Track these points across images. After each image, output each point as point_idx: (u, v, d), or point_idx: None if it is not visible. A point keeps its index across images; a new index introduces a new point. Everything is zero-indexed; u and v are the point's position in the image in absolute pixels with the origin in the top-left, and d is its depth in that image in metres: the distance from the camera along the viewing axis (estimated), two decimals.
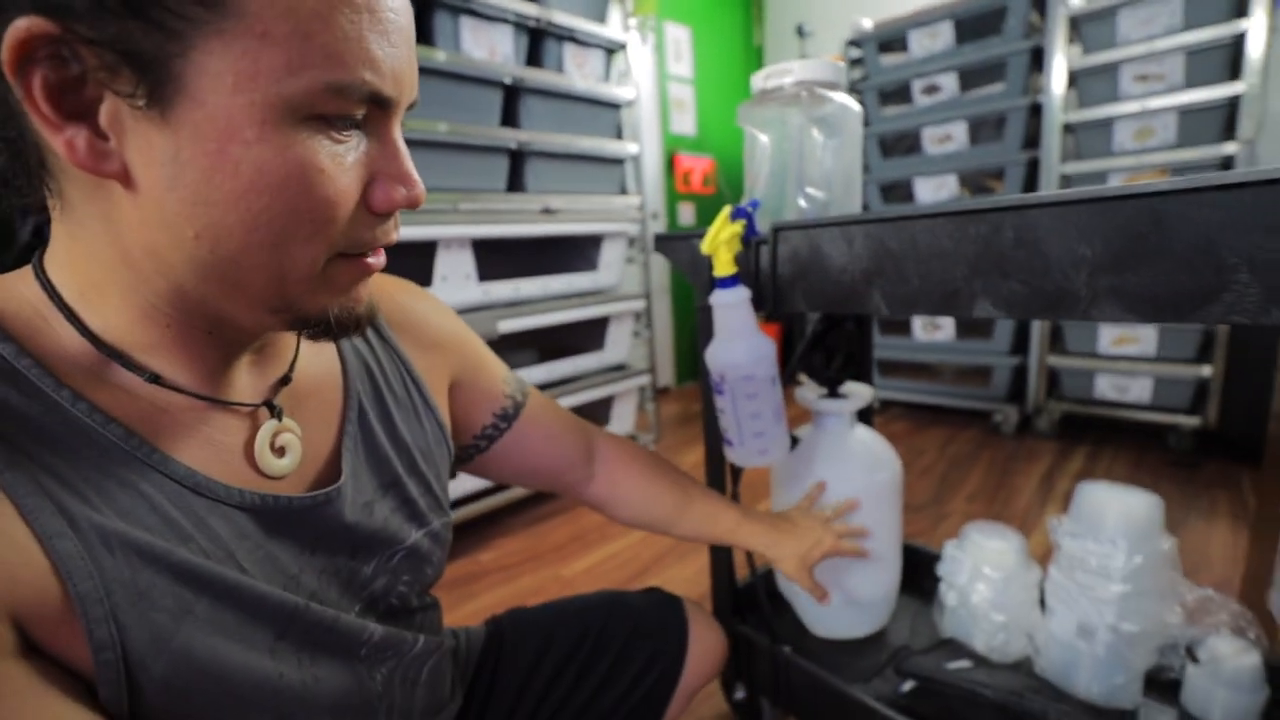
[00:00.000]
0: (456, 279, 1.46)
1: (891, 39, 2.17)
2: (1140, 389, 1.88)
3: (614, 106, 1.80)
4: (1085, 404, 1.99)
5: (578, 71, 1.69)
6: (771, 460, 0.69)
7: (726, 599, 0.90)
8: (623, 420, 1.93)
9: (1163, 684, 0.74)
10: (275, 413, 0.38)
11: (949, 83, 2.06)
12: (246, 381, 0.38)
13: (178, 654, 0.30)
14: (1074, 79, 1.87)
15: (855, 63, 2.45)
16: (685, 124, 2.97)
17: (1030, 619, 0.80)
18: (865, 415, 1.02)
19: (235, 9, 0.26)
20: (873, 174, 2.30)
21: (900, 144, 2.24)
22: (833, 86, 0.69)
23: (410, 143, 1.34)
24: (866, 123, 2.31)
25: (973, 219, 0.49)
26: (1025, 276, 0.47)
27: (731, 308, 0.63)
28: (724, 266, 0.63)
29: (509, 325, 1.52)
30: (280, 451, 0.38)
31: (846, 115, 0.69)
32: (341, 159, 0.30)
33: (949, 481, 1.77)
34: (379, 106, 0.31)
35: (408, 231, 1.33)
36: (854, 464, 0.81)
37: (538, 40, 1.61)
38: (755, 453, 0.68)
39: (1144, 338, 1.84)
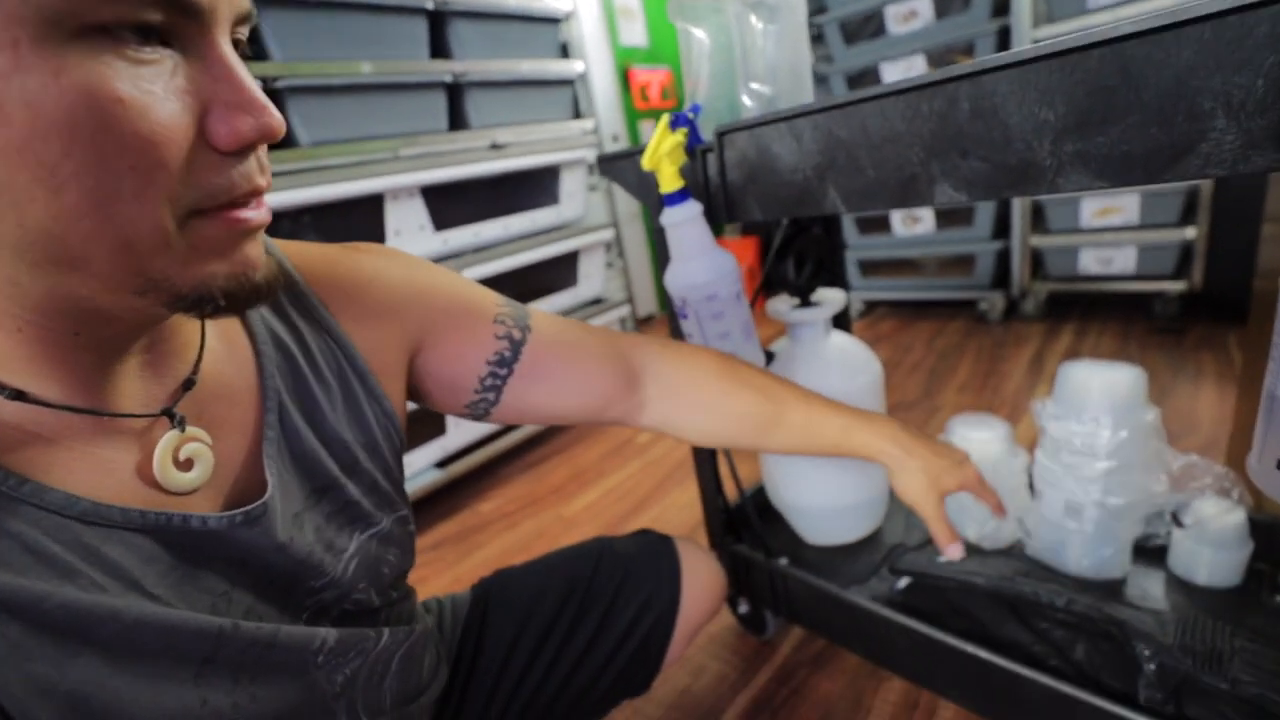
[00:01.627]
0: (410, 231, 1.39)
1: None
2: (1125, 259, 1.85)
3: (552, 21, 1.66)
4: (1070, 281, 1.96)
5: None
6: None
7: (718, 520, 0.91)
8: None
9: (1151, 551, 0.76)
10: (176, 421, 0.33)
11: None
12: (137, 388, 0.33)
13: (65, 701, 0.27)
14: None
15: None
16: (636, 35, 2.78)
17: (1020, 504, 0.81)
18: (843, 320, 1.01)
19: None
20: (836, 64, 2.17)
21: (864, 28, 2.10)
22: None
23: (333, 89, 1.24)
24: (824, 8, 2.15)
25: (925, 94, 0.44)
26: (985, 152, 0.43)
27: (683, 225, 0.60)
28: (669, 181, 0.59)
29: (474, 273, 1.46)
30: (187, 464, 0.33)
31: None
32: (148, 85, 0.25)
33: (938, 375, 1.77)
34: (185, 15, 0.25)
35: (349, 187, 1.25)
36: (832, 371, 0.80)
37: None
38: None
39: (1126, 207, 1.79)
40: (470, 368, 0.49)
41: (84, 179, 0.24)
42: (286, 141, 1.23)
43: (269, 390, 0.39)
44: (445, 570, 1.28)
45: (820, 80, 2.36)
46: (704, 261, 0.60)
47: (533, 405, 0.52)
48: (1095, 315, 1.98)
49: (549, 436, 1.81)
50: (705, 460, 0.89)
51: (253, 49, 1.17)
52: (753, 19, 0.62)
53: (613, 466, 1.59)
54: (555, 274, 1.75)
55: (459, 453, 1.53)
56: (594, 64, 2.05)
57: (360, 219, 1.33)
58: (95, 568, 0.29)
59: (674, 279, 0.62)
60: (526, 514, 1.45)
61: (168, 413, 0.33)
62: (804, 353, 0.82)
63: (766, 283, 0.84)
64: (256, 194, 0.30)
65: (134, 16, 0.24)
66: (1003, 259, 2.07)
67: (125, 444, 0.32)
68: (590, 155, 1.76)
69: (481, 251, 1.52)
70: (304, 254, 0.44)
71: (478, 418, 0.52)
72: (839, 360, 0.82)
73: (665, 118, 0.59)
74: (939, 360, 1.87)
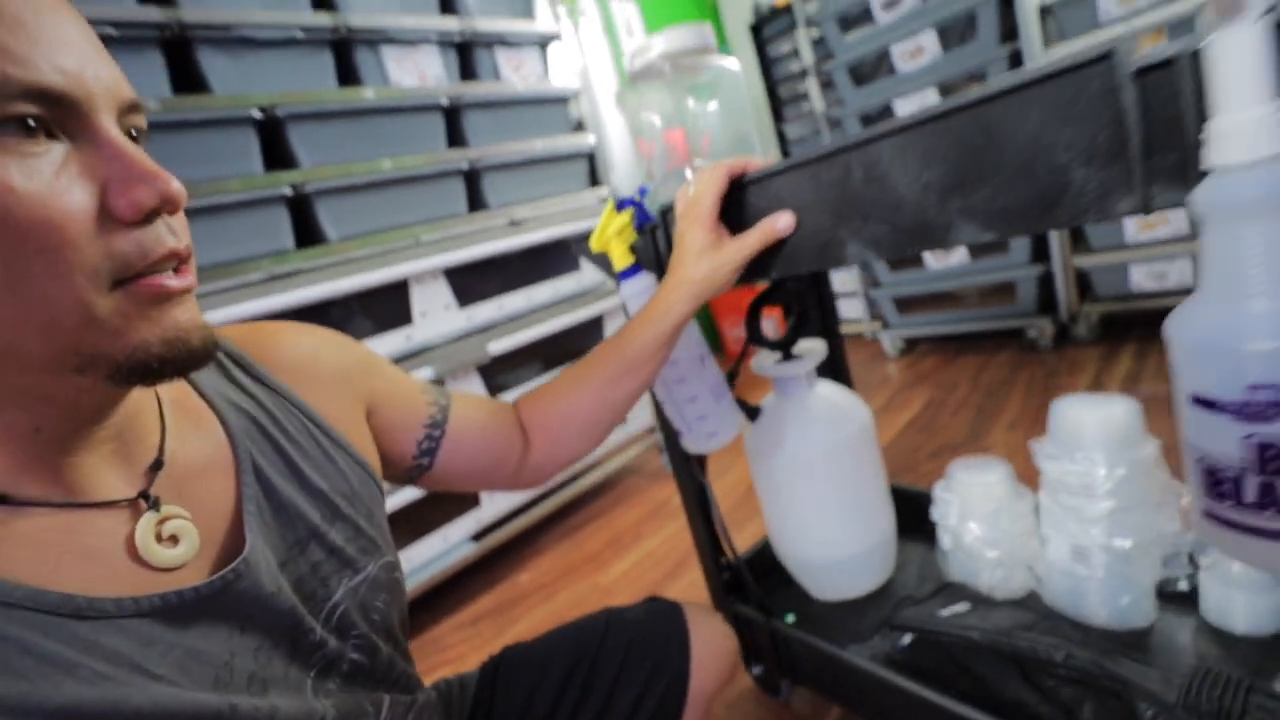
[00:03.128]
0: (435, 311, 1.44)
1: None
2: (1179, 272, 1.73)
3: (560, 101, 1.74)
4: (1124, 300, 1.85)
5: (515, 75, 1.65)
6: (724, 441, 0.67)
7: (717, 582, 0.90)
8: (637, 414, 1.90)
9: (1179, 596, 0.69)
10: (151, 503, 0.35)
11: None
12: (110, 476, 0.34)
13: None
14: None
15: None
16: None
17: (1028, 550, 0.76)
18: (839, 366, 1.02)
19: None
20: (847, 106, 2.18)
21: (872, 71, 2.12)
22: (701, 51, 0.66)
23: (357, 187, 1.33)
24: (830, 54, 2.19)
25: (823, 165, 0.48)
26: (883, 214, 0.46)
27: (637, 297, 0.62)
28: (621, 259, 0.62)
29: (499, 345, 1.50)
30: (173, 540, 0.35)
31: (723, 76, 0.68)
32: (38, 172, 0.27)
33: (986, 412, 1.68)
34: (60, 106, 0.27)
35: (375, 276, 1.32)
36: (817, 424, 0.80)
37: (467, 53, 1.56)
38: (704, 436, 0.67)
39: (1172, 217, 1.70)
40: (410, 433, 0.53)
41: (3, 270, 0.26)
42: (317, 239, 1.31)
43: (241, 454, 0.40)
44: (482, 646, 1.26)
45: (835, 124, 2.38)
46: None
47: (460, 464, 0.56)
48: (1157, 334, 1.85)
49: (586, 501, 1.80)
50: (699, 521, 0.88)
51: (282, 158, 1.27)
52: (690, 102, 0.65)
53: (650, 530, 1.55)
54: (581, 339, 1.78)
55: (494, 524, 1.53)
56: (609, 131, 2.13)
57: (386, 304, 1.40)
58: (96, 658, 0.30)
59: None
60: (563, 584, 1.42)
61: (143, 495, 0.35)
62: (790, 406, 0.82)
63: (751, 339, 0.84)
64: (174, 257, 0.31)
65: (10, 110, 0.26)
66: (1046, 283, 1.98)
67: (109, 530, 0.33)
68: (635, 194, 1.80)
69: (507, 324, 1.56)
70: (241, 332, 0.47)
71: (411, 481, 0.56)
72: (825, 412, 0.82)
73: (611, 202, 0.63)
74: (986, 397, 1.77)
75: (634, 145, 0.73)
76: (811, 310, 0.98)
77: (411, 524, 1.42)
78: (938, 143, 0.42)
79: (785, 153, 2.91)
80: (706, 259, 0.56)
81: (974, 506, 0.79)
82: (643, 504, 1.71)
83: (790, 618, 0.85)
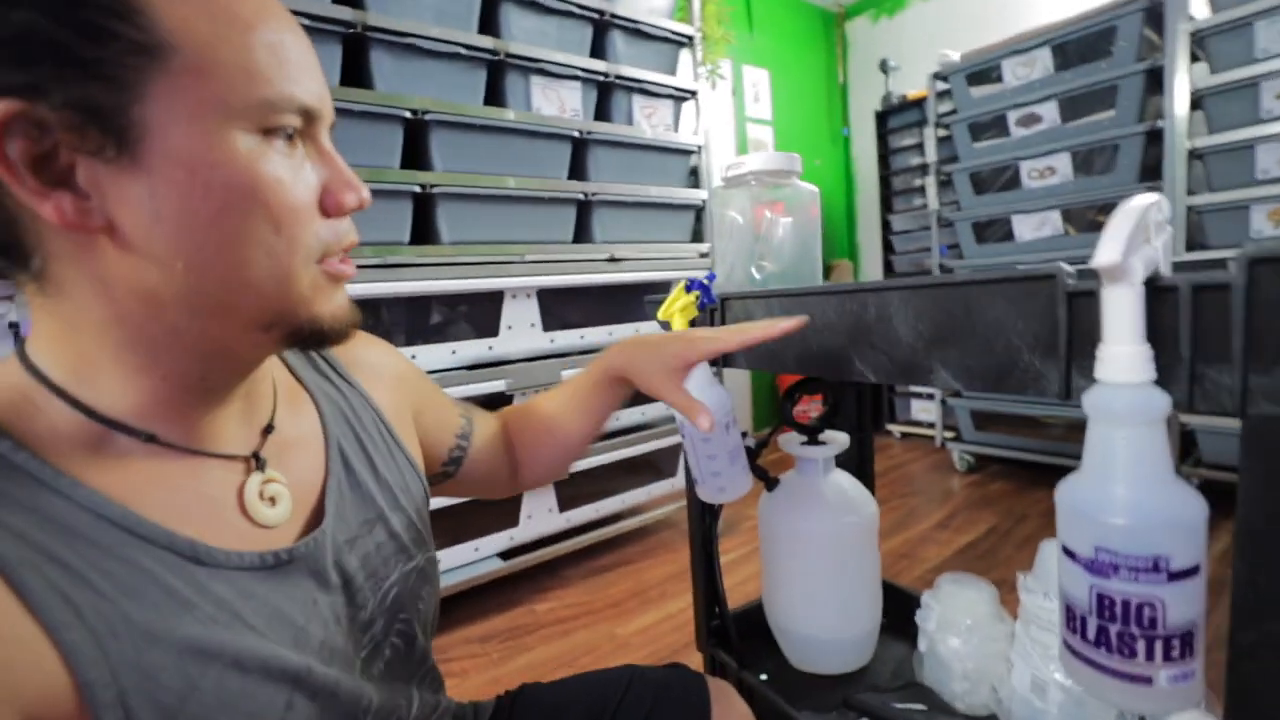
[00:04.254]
0: (521, 327, 1.47)
1: (982, 70, 2.04)
2: None
3: (683, 153, 1.79)
4: (1232, 471, 1.71)
5: (646, 121, 1.70)
6: (730, 498, 0.75)
7: (705, 624, 0.99)
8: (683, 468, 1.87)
9: None
10: (260, 464, 0.39)
11: (1049, 112, 1.90)
12: (235, 432, 0.38)
13: None
14: (1199, 101, 1.67)
15: (943, 95, 2.33)
16: None
17: (996, 672, 0.81)
18: (863, 463, 1.10)
19: (171, 49, 0.29)
20: (963, 210, 2.15)
21: (994, 180, 2.09)
22: (785, 175, 0.80)
23: (479, 197, 1.40)
24: (955, 158, 2.17)
25: (848, 298, 0.59)
26: (885, 347, 0.57)
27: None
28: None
29: (572, 374, 1.51)
30: (271, 501, 0.39)
31: (800, 197, 0.81)
32: (295, 169, 0.33)
33: None
34: (307, 120, 0.34)
35: (477, 282, 1.36)
36: (825, 507, 0.88)
37: (606, 93, 1.63)
38: (715, 490, 0.74)
39: None
40: (444, 441, 0.58)
41: (252, 237, 0.32)
42: (431, 238, 1.37)
43: (332, 436, 0.45)
44: (488, 668, 1.24)
45: (946, 224, 2.35)
46: (699, 395, 0.68)
47: (477, 473, 0.61)
48: None
49: (617, 545, 1.77)
50: (700, 565, 0.98)
51: (418, 158, 1.35)
52: (767, 212, 0.79)
53: (676, 590, 1.51)
54: None
55: (525, 546, 1.52)
56: None
57: (480, 310, 1.44)
58: (207, 601, 0.33)
59: None
60: (580, 624, 1.39)
61: (255, 455, 0.39)
62: (804, 485, 0.91)
63: (782, 418, 0.93)
64: (353, 246, 0.38)
65: (285, 123, 0.33)
66: None
67: (225, 482, 0.37)
68: (702, 275, 1.82)
69: (584, 354, 1.58)
70: None
71: (435, 483, 0.59)
72: (834, 497, 0.90)
73: (683, 282, 0.72)
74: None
75: (721, 229, 0.86)
76: (848, 405, 1.09)
77: (447, 528, 1.43)
78: (931, 305, 0.52)
79: (887, 242, 2.88)
80: (668, 364, 0.56)
81: (954, 619, 0.85)
82: (674, 561, 1.66)
83: (763, 676, 0.94)
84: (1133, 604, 0.40)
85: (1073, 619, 0.44)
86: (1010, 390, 0.49)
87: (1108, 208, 1.85)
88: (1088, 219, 1.92)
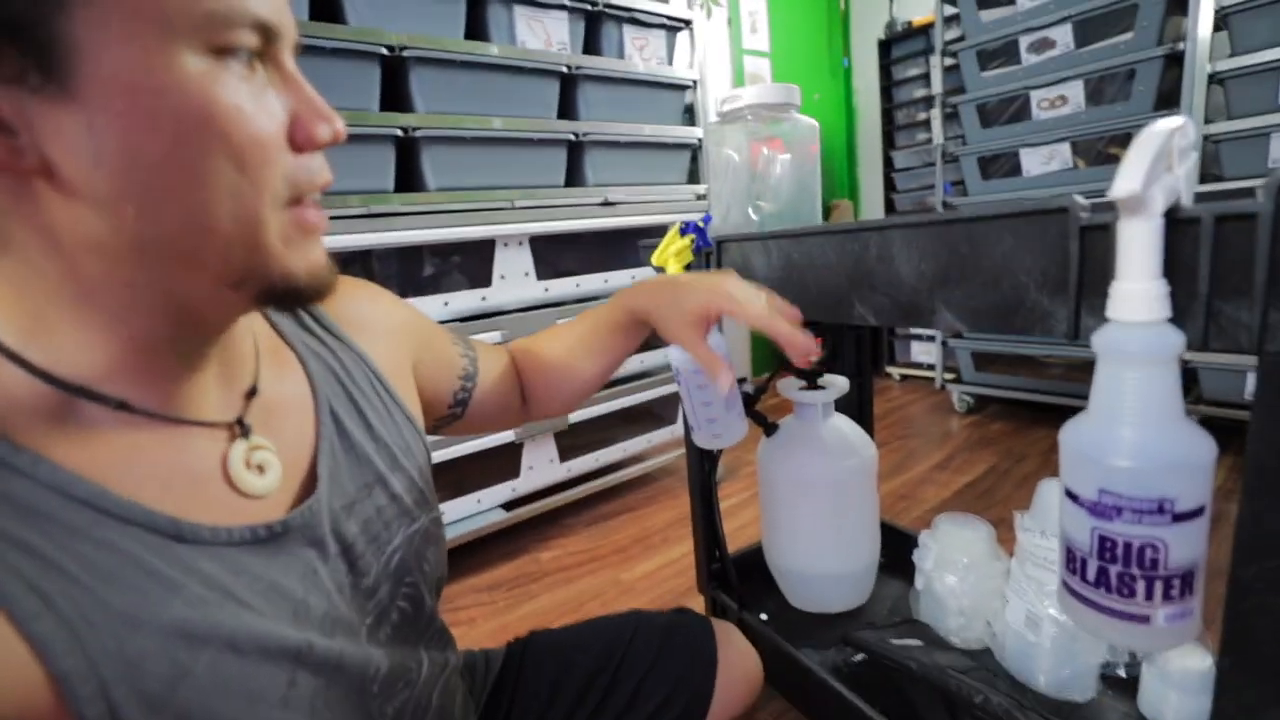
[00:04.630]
0: (515, 276, 1.44)
1: None
2: None
3: (678, 89, 1.71)
4: (1233, 408, 1.70)
5: (639, 54, 1.62)
6: (726, 444, 0.75)
7: (706, 568, 1.02)
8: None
9: (1120, 681, 0.78)
10: (244, 430, 0.36)
11: (1063, 36, 1.80)
12: (215, 397, 0.36)
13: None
14: (1223, 21, 1.58)
15: (950, 20, 2.21)
16: None
17: (991, 608, 0.84)
18: (863, 406, 1.11)
19: None
20: (969, 145, 2.07)
21: (1002, 111, 2.00)
22: (783, 109, 0.77)
23: (464, 140, 1.34)
24: (962, 89, 2.08)
25: (849, 237, 0.58)
26: (886, 289, 0.56)
27: None
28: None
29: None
30: (259, 470, 0.36)
31: (799, 132, 0.79)
32: (257, 95, 0.29)
33: None
34: (266, 38, 0.30)
35: (466, 230, 1.32)
36: (823, 451, 0.90)
37: (595, 24, 1.54)
38: (710, 436, 0.74)
39: None
40: (447, 385, 0.56)
41: (211, 178, 0.28)
42: (416, 185, 1.32)
43: (321, 397, 0.42)
44: (494, 616, 1.27)
45: (950, 160, 2.27)
46: None
47: (486, 411, 0.60)
48: None
49: (619, 493, 1.78)
50: (700, 510, 0.99)
51: (398, 99, 1.29)
52: (764, 149, 0.77)
53: (679, 535, 1.53)
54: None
55: (527, 496, 1.54)
56: None
57: (471, 260, 1.41)
58: (195, 581, 0.31)
59: (671, 354, 0.71)
60: (585, 570, 1.42)
61: (238, 421, 0.36)
62: (803, 430, 0.92)
63: (780, 363, 0.94)
64: (326, 186, 0.34)
65: (239, 40, 0.28)
66: None
67: (207, 452, 0.35)
68: (699, 218, 1.77)
69: (581, 303, 1.55)
70: None
71: (438, 429, 0.59)
72: (833, 441, 0.91)
73: (676, 225, 0.71)
74: (1056, 474, 1.66)
75: (716, 168, 0.83)
76: (847, 348, 1.09)
77: (449, 482, 1.44)
78: (935, 243, 0.51)
79: (889, 180, 2.80)
80: (667, 310, 0.55)
81: (950, 557, 0.87)
82: (676, 507, 1.68)
83: (763, 615, 0.97)
84: (1135, 545, 0.40)
85: (1073, 560, 0.44)
86: (1015, 330, 0.48)
87: (1120, 138, 1.78)
88: (1098, 151, 1.85)
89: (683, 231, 0.72)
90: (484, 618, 1.27)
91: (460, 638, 1.22)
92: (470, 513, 1.44)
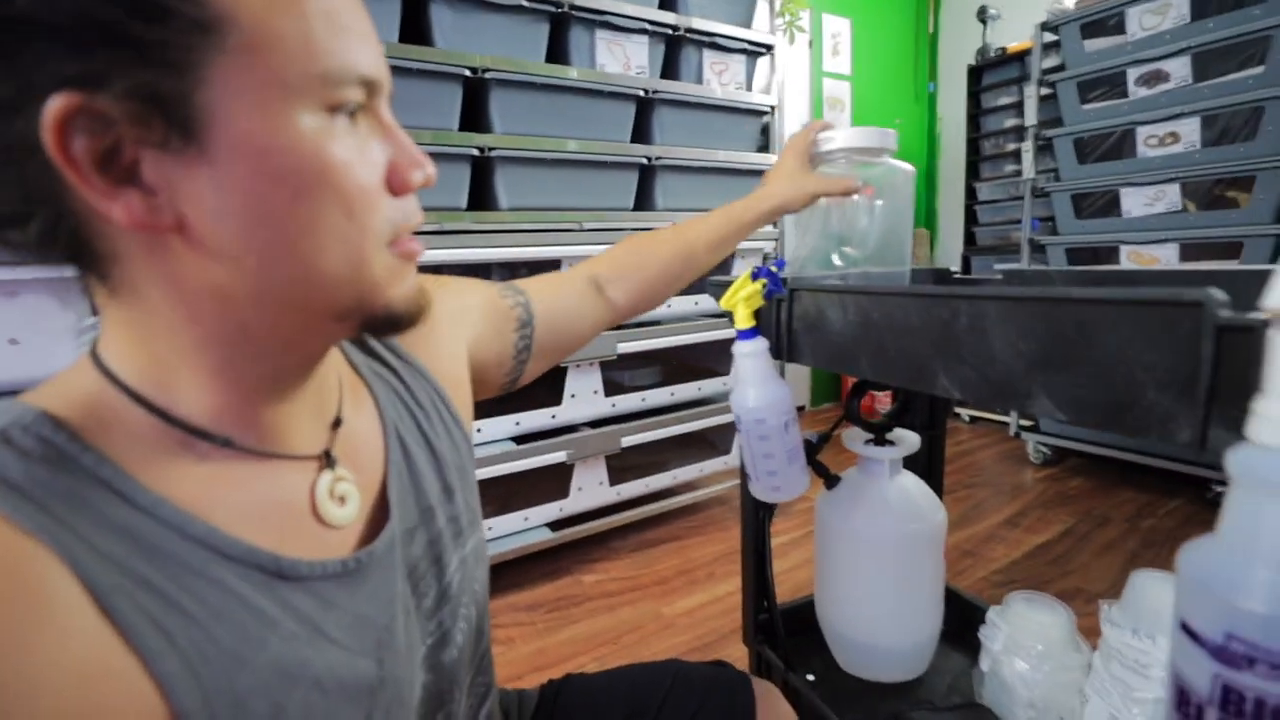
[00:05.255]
0: None
1: (1101, 18, 1.81)
2: None
3: (755, 114, 1.68)
4: None
5: (717, 79, 1.60)
6: (785, 497, 0.74)
7: (753, 619, 0.97)
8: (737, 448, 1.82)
9: None
10: (330, 462, 0.37)
11: (1179, 68, 1.67)
12: (307, 429, 0.37)
13: None
14: None
15: (1049, 48, 2.09)
16: (840, 124, 2.74)
17: (1067, 704, 0.76)
18: (934, 463, 1.05)
19: (228, 24, 0.27)
20: (1063, 182, 1.95)
21: (1100, 147, 1.87)
22: (878, 153, 0.73)
23: (538, 161, 1.36)
24: (1057, 120, 1.95)
25: (936, 302, 0.54)
26: (976, 362, 0.51)
27: (746, 357, 0.68)
28: (742, 321, 0.69)
29: (628, 346, 1.48)
30: (341, 500, 0.37)
31: (894, 177, 0.75)
32: (361, 147, 0.31)
33: (1140, 564, 1.43)
34: (368, 92, 0.32)
35: (534, 250, 1.33)
36: (888, 514, 0.84)
37: (675, 48, 1.54)
38: (769, 489, 0.73)
39: None
40: (507, 342, 0.55)
41: (324, 225, 0.30)
42: (488, 203, 1.34)
43: (388, 423, 0.42)
44: (534, 638, 1.26)
45: (1040, 195, 2.14)
46: (759, 390, 0.69)
47: (551, 347, 0.59)
48: None
49: (666, 520, 1.75)
50: (751, 560, 0.95)
51: (477, 119, 1.31)
52: (857, 197, 0.73)
53: (725, 572, 1.48)
54: (699, 356, 1.72)
55: (574, 517, 1.53)
56: None
57: None
58: (290, 617, 0.32)
59: (733, 400, 0.71)
60: (627, 600, 1.39)
61: (326, 452, 0.37)
62: (867, 487, 0.86)
63: (846, 413, 0.89)
64: (419, 226, 0.35)
65: (347, 98, 0.30)
66: None
67: (297, 485, 0.36)
68: (766, 245, 1.73)
69: (641, 327, 1.53)
70: None
71: (514, 382, 0.58)
72: (899, 503, 0.85)
73: (748, 270, 0.69)
74: (1142, 547, 1.53)
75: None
76: (920, 399, 1.02)
77: (497, 497, 1.45)
78: (1037, 322, 0.46)
79: (970, 212, 2.67)
80: (791, 181, 0.69)
81: (1023, 642, 0.81)
82: (723, 541, 1.64)
83: (810, 676, 0.91)
84: (1270, 705, 0.34)
85: (1185, 704, 0.38)
86: (1127, 431, 0.42)
87: (1240, 182, 1.63)
88: (1213, 195, 1.70)
89: (754, 276, 0.70)
90: (522, 639, 1.26)
91: (498, 656, 1.23)
92: (516, 529, 1.44)
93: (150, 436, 0.31)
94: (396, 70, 1.15)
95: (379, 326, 0.34)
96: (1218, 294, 0.38)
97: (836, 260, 0.76)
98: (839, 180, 0.69)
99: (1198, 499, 1.75)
